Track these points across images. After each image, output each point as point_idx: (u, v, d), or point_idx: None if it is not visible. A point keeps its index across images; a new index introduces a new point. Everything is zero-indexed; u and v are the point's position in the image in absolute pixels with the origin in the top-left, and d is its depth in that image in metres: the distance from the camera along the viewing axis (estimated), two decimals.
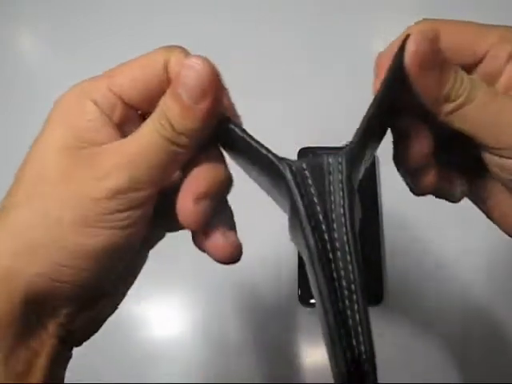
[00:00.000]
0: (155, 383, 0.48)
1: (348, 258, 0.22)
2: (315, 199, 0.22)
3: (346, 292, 0.22)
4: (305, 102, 0.58)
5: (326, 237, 0.22)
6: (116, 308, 0.28)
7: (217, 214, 0.25)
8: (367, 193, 0.53)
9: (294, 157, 0.54)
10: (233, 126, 0.23)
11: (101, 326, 0.27)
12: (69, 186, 0.23)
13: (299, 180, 0.22)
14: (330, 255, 0.22)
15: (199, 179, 0.24)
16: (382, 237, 0.51)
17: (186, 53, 0.24)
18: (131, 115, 0.25)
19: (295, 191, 0.22)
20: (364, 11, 0.65)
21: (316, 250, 0.22)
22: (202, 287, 0.51)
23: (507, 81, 0.25)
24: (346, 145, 0.23)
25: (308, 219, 0.22)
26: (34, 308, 0.23)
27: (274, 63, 0.62)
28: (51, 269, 0.22)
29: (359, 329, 0.21)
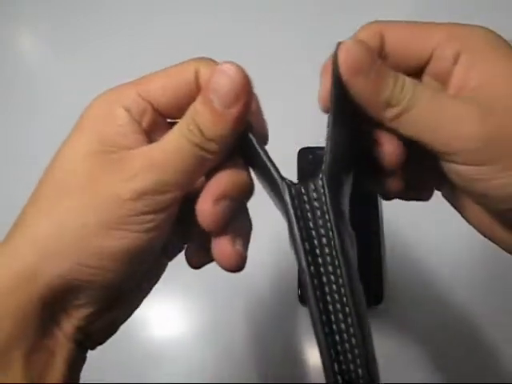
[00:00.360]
0: (156, 383, 0.48)
1: (340, 281, 0.22)
2: (311, 224, 0.23)
3: (340, 315, 0.22)
4: (305, 102, 0.58)
5: (320, 261, 0.22)
6: (130, 315, 0.28)
7: (233, 221, 0.25)
8: (367, 194, 0.52)
9: (294, 157, 0.54)
10: (250, 135, 0.24)
11: (116, 330, 0.27)
12: (95, 189, 0.23)
13: (297, 204, 0.23)
14: (324, 278, 0.22)
15: (220, 181, 0.24)
16: (382, 237, 0.51)
17: (216, 63, 0.24)
18: (160, 122, 0.25)
19: (291, 215, 0.23)
20: (364, 11, 0.65)
21: (309, 275, 0.22)
22: (202, 287, 0.51)
23: (457, 82, 0.24)
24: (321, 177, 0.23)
25: (302, 244, 0.22)
26: (53, 309, 0.23)
27: (274, 63, 0.62)
28: (73, 269, 0.23)
29: (356, 351, 0.22)
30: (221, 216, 0.24)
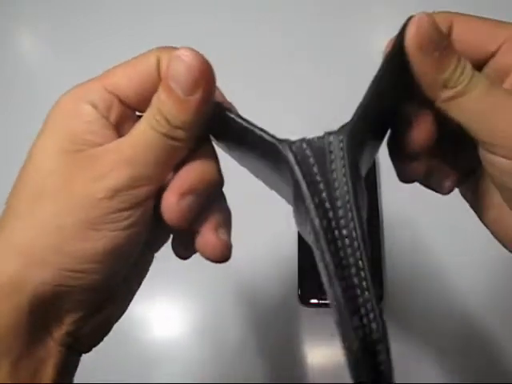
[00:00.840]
0: (155, 383, 0.48)
1: (354, 234, 0.21)
2: (318, 178, 0.22)
3: (353, 269, 0.21)
4: (305, 102, 0.58)
5: (331, 215, 0.22)
6: (123, 312, 0.27)
7: (210, 212, 0.25)
8: (367, 193, 0.52)
9: None
10: (228, 113, 0.23)
11: (108, 331, 0.27)
12: (68, 190, 0.22)
13: (300, 159, 0.22)
14: (336, 233, 0.21)
15: (186, 175, 0.24)
16: (382, 237, 0.51)
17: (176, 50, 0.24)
18: (128, 115, 0.25)
19: (297, 171, 0.22)
20: (364, 11, 0.65)
21: (321, 228, 0.21)
22: (202, 287, 0.51)
23: None
24: (346, 123, 0.23)
25: (312, 198, 0.21)
26: (41, 317, 0.23)
27: (274, 63, 0.62)
28: (56, 275, 0.22)
29: (369, 306, 0.21)
30: (187, 212, 0.23)
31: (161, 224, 0.24)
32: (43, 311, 0.23)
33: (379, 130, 0.25)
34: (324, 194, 0.22)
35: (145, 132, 0.23)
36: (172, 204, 0.23)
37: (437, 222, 0.52)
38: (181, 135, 0.23)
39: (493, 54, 0.25)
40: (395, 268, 0.50)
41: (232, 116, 0.23)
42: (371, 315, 0.21)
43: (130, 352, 0.49)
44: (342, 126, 0.23)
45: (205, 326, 0.50)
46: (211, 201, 0.25)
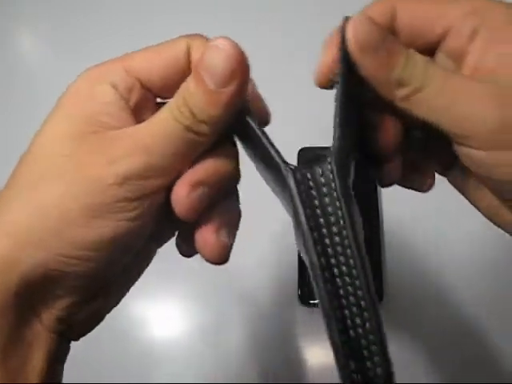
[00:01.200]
0: (156, 383, 0.48)
1: (354, 272, 0.20)
2: (318, 211, 0.21)
3: (354, 309, 0.20)
4: (305, 102, 0.58)
5: (330, 251, 0.21)
6: (118, 302, 0.26)
7: (218, 209, 0.24)
8: (367, 194, 0.52)
9: (294, 157, 0.54)
10: (248, 118, 0.22)
11: (101, 320, 0.26)
12: (76, 173, 0.21)
13: (303, 190, 0.21)
14: (335, 270, 0.21)
15: (201, 167, 0.23)
16: (381, 237, 0.51)
17: (209, 39, 0.23)
18: (149, 101, 0.24)
19: (297, 203, 0.21)
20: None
21: (319, 265, 0.21)
22: (202, 287, 0.51)
23: (473, 62, 0.22)
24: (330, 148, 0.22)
25: (311, 232, 0.21)
26: (31, 299, 0.22)
27: (274, 63, 0.62)
28: (51, 259, 0.21)
29: (373, 348, 0.20)
30: (196, 204, 0.22)
31: (170, 217, 0.23)
32: (33, 294, 0.22)
33: (356, 141, 0.24)
34: (324, 230, 0.21)
35: (166, 122, 0.21)
36: (183, 195, 0.22)
37: (437, 221, 0.52)
38: (204, 130, 0.21)
39: (443, 37, 0.23)
40: (395, 268, 0.50)
41: (249, 122, 0.22)
42: (375, 359, 0.20)
43: (130, 352, 0.49)
44: (323, 155, 0.22)
45: (204, 326, 0.50)
46: (223, 197, 0.24)
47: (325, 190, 0.21)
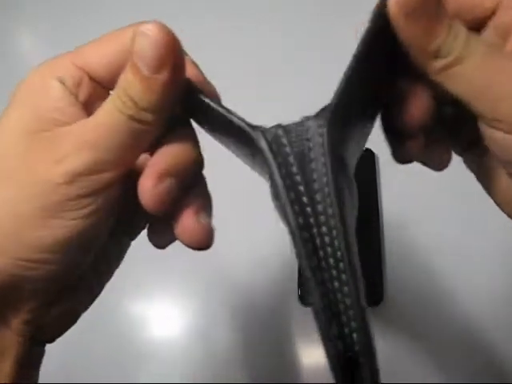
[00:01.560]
0: (151, 383, 0.48)
1: (334, 232, 0.19)
2: (294, 169, 0.20)
3: (333, 272, 0.19)
4: (305, 102, 0.58)
5: (309, 210, 0.19)
6: (93, 301, 0.26)
7: (189, 196, 0.23)
8: (367, 193, 0.52)
9: None
10: (200, 95, 0.21)
11: (75, 320, 0.25)
12: (26, 174, 0.21)
13: (275, 149, 0.20)
14: (314, 231, 0.19)
15: (163, 157, 0.22)
16: (382, 237, 0.51)
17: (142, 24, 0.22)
18: (101, 94, 0.23)
19: (271, 161, 0.20)
20: (364, 11, 0.65)
21: (296, 226, 0.19)
22: (201, 287, 0.51)
23: None
24: (327, 106, 0.20)
25: (287, 192, 0.19)
26: None
27: (274, 63, 0.62)
28: (9, 264, 0.21)
29: (350, 313, 0.19)
30: (165, 196, 0.21)
31: (138, 209, 0.22)
32: None
33: (367, 111, 0.23)
34: (301, 188, 0.20)
35: (110, 113, 0.21)
36: (149, 188, 0.21)
37: (437, 221, 0.52)
38: (148, 118, 0.21)
39: (492, 12, 0.22)
40: (395, 268, 0.50)
41: (203, 99, 0.21)
42: (353, 324, 0.19)
43: (128, 352, 0.49)
44: (323, 109, 0.21)
45: (203, 326, 0.50)
46: (191, 185, 0.23)
47: (310, 144, 0.20)
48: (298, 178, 0.20)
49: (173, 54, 0.20)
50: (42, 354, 0.24)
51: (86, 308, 0.26)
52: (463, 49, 0.20)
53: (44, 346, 0.24)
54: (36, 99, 0.22)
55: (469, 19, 0.22)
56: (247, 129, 0.20)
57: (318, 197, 0.19)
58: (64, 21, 0.69)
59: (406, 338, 0.48)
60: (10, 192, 0.21)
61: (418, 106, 0.22)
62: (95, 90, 0.23)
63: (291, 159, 0.20)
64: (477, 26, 0.22)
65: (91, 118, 0.21)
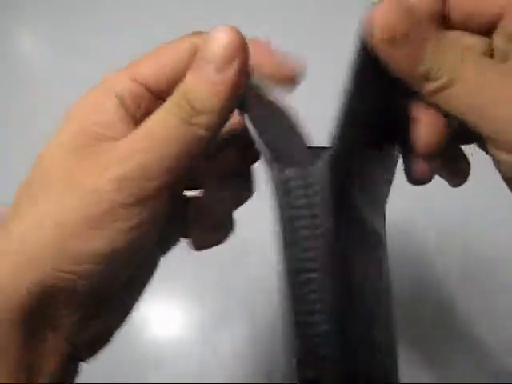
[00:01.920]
0: (155, 383, 0.48)
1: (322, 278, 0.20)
2: (306, 212, 0.20)
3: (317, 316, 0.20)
4: (305, 102, 0.58)
5: (308, 255, 0.20)
6: (124, 319, 0.25)
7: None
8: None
9: None
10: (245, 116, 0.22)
11: (110, 338, 0.25)
12: (73, 184, 0.21)
13: (283, 189, 0.21)
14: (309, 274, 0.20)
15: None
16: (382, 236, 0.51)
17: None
18: (158, 107, 0.23)
19: (281, 200, 0.21)
20: (364, 11, 0.65)
21: (288, 267, 0.20)
22: (201, 287, 0.51)
23: None
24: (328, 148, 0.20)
25: (291, 240, 0.21)
26: (35, 322, 0.21)
27: None
28: (49, 275, 0.20)
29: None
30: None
31: (175, 223, 0.22)
32: (37, 315, 0.21)
33: (378, 144, 0.23)
34: (307, 232, 0.21)
35: (163, 120, 0.21)
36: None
37: (437, 222, 0.52)
38: (209, 122, 0.21)
39: (500, 16, 0.20)
40: (395, 268, 0.50)
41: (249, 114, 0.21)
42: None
43: (130, 352, 0.49)
44: (323, 148, 0.21)
45: (205, 326, 0.50)
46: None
47: (310, 191, 0.20)
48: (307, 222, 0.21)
49: (242, 57, 0.20)
50: (76, 372, 0.24)
51: (118, 326, 0.25)
52: (454, 69, 0.19)
53: (78, 365, 0.24)
54: (90, 114, 0.22)
55: (475, 26, 0.21)
56: (267, 161, 0.21)
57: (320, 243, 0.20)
58: (64, 21, 0.69)
59: (406, 338, 0.48)
60: (56, 201, 0.21)
61: (429, 126, 0.21)
62: (154, 104, 0.23)
63: (301, 202, 0.21)
64: (487, 30, 0.21)
65: (141, 128, 0.21)
